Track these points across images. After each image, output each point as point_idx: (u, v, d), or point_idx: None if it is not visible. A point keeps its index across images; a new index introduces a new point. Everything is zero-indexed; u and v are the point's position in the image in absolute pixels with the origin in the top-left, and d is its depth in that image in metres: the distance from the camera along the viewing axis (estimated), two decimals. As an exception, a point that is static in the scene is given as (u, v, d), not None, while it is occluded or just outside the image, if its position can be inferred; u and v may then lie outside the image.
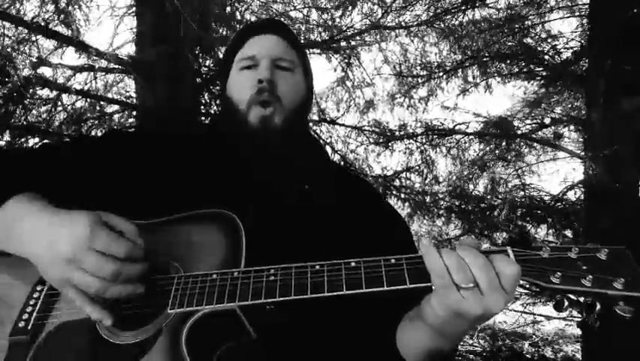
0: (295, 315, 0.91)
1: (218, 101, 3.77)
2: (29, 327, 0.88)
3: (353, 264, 0.82)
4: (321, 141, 4.73)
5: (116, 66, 3.79)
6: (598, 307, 0.75)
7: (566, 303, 0.76)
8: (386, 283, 0.79)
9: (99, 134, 3.90)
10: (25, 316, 0.90)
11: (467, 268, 0.74)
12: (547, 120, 4.82)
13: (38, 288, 0.93)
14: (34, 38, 3.55)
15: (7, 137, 3.50)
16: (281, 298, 0.81)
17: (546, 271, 0.78)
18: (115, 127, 3.95)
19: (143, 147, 1.14)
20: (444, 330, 0.80)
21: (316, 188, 1.11)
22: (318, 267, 0.83)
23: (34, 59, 3.47)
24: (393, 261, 0.81)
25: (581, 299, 0.76)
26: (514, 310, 5.46)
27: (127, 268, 0.83)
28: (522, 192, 4.70)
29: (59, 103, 3.68)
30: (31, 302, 0.92)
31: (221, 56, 3.70)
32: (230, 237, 0.92)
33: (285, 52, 1.15)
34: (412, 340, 0.89)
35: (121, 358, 0.82)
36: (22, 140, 3.54)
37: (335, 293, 0.80)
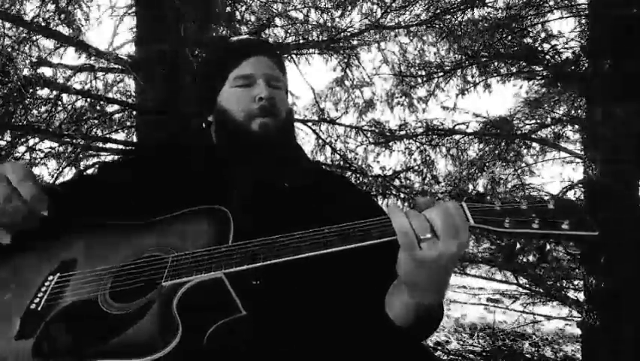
0: (283, 290, 1.04)
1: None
2: (39, 308, 0.99)
3: (327, 230, 0.95)
4: (319, 140, 4.76)
5: (116, 66, 3.79)
6: (548, 247, 0.89)
7: (518, 247, 0.88)
8: (357, 239, 0.91)
9: (99, 133, 3.90)
10: (37, 300, 1.01)
11: (426, 220, 0.84)
12: (547, 120, 4.81)
13: (50, 278, 1.06)
14: (34, 38, 3.55)
15: (7, 137, 3.50)
16: (265, 262, 0.92)
17: (498, 218, 0.88)
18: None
19: (139, 173, 1.31)
20: (416, 282, 0.90)
21: (297, 185, 1.28)
22: (297, 235, 0.96)
23: (34, 59, 3.47)
24: (364, 222, 0.94)
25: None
26: (514, 310, 5.45)
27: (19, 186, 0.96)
28: (522, 192, 4.69)
29: (59, 103, 3.68)
30: (43, 289, 1.03)
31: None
32: (219, 225, 1.07)
33: (276, 72, 1.33)
34: (396, 299, 0.99)
35: (117, 325, 0.92)
36: (22, 140, 3.55)
37: (315, 253, 0.91)
